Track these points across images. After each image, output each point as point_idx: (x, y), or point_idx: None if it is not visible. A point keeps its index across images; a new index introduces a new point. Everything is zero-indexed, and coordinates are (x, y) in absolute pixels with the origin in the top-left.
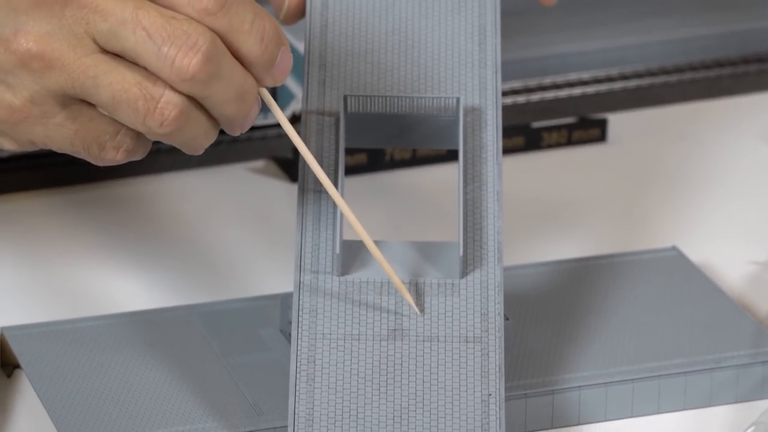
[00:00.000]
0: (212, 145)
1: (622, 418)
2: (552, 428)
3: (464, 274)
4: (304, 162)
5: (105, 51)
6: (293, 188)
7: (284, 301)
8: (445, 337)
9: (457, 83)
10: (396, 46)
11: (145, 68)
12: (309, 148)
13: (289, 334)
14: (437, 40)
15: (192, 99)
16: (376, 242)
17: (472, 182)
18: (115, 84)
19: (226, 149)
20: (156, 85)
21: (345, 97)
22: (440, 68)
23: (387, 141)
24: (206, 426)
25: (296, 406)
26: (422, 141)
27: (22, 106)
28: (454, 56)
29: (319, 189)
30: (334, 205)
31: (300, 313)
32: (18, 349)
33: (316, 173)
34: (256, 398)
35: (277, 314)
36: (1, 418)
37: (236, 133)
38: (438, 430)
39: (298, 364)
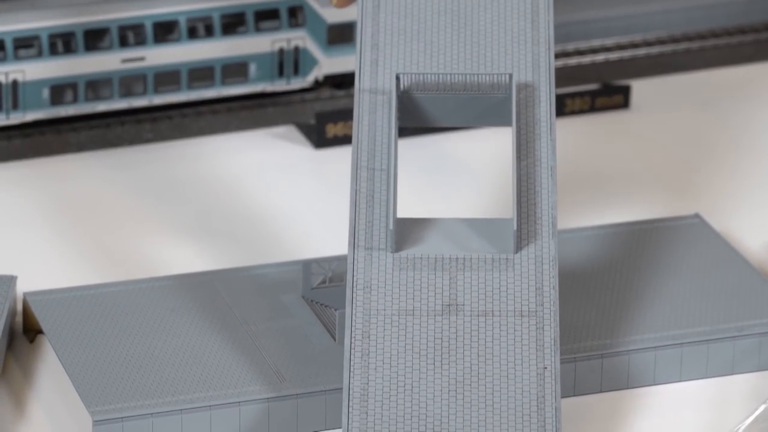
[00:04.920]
0: (235, 111)
1: (645, 386)
2: (574, 395)
3: (518, 249)
4: (357, 138)
5: None
6: (315, 154)
7: (306, 267)
8: (500, 311)
9: (509, 60)
10: (448, 25)
11: None
12: (361, 126)
13: (311, 300)
14: (489, 18)
15: None
16: (430, 220)
17: (525, 158)
18: None
19: (249, 115)
20: None
21: (397, 76)
22: (493, 46)
23: (440, 119)
24: (228, 392)
25: (351, 381)
26: (475, 118)
27: None
28: (506, 33)
29: (373, 166)
30: (388, 182)
31: (354, 289)
32: (40, 315)
33: None
34: (278, 365)
35: (299, 281)
36: (23, 384)
37: None
38: (493, 404)
39: (353, 339)
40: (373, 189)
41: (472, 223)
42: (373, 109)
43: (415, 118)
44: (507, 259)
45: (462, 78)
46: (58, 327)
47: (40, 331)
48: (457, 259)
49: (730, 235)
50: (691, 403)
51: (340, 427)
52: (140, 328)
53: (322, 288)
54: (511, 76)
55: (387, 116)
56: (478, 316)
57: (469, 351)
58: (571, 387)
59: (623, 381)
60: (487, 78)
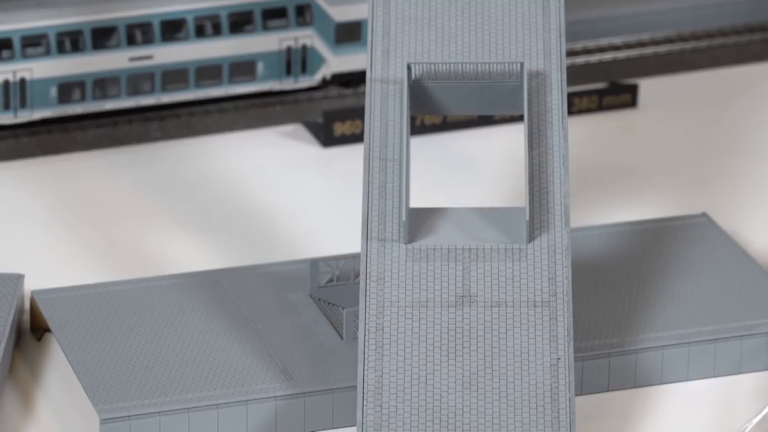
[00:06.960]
0: (243, 109)
1: (652, 385)
2: (581, 395)
3: (531, 238)
4: (370, 129)
5: None
6: (323, 152)
7: (314, 265)
8: (513, 302)
9: (521, 48)
10: (459, 13)
11: None
12: (373, 116)
13: (319, 299)
14: (500, 5)
15: None
16: (442, 209)
17: (537, 146)
18: None
19: (257, 114)
20: None
21: (409, 66)
22: (504, 33)
23: (451, 108)
24: (235, 391)
25: (365, 374)
26: (487, 107)
27: None
28: (517, 21)
29: (385, 157)
30: (400, 173)
31: (368, 281)
32: (48, 313)
33: None
34: (285, 363)
35: (306, 279)
36: (30, 382)
37: None
38: (508, 396)
39: (367, 331)
40: (385, 180)
41: (484, 213)
42: (384, 98)
43: (426, 107)
44: (520, 249)
45: (473, 67)
46: (66, 325)
47: (47, 330)
48: (470, 249)
49: (738, 234)
50: (698, 403)
51: (347, 425)
52: (147, 327)
53: (329, 286)
54: (522, 64)
55: (399, 106)
56: (491, 306)
57: (482, 342)
58: (578, 386)
59: (630, 380)
60: (499, 66)
